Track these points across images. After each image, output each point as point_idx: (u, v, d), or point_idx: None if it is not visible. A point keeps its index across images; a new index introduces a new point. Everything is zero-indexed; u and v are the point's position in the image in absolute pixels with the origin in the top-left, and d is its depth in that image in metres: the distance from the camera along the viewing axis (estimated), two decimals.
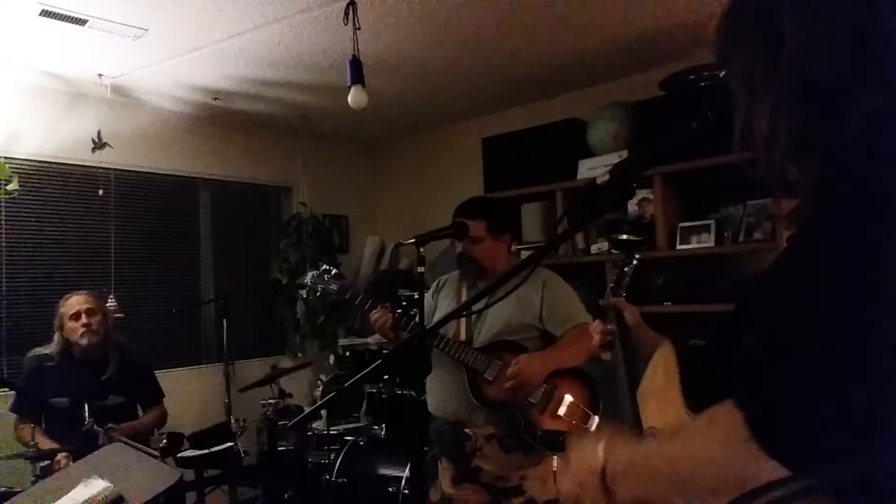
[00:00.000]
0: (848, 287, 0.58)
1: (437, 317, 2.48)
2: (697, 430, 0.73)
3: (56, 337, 3.02)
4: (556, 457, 2.16)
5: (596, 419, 2.28)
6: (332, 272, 2.60)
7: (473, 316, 2.40)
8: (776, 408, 0.60)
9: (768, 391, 0.62)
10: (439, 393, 2.43)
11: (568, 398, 2.28)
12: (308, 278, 2.62)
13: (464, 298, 2.48)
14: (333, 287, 2.56)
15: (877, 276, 0.57)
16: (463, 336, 2.41)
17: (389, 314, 2.40)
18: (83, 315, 3.00)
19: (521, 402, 2.27)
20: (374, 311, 2.43)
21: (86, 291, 3.14)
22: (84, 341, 2.97)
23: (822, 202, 0.66)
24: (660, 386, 0.96)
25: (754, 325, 0.74)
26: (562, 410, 2.27)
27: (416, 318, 2.42)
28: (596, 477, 0.80)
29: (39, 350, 3.03)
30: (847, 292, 0.58)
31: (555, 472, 2.14)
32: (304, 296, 2.72)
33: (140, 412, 3.16)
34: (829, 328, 0.59)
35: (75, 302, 3.03)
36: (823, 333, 0.59)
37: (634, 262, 1.55)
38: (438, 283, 2.64)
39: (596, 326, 1.47)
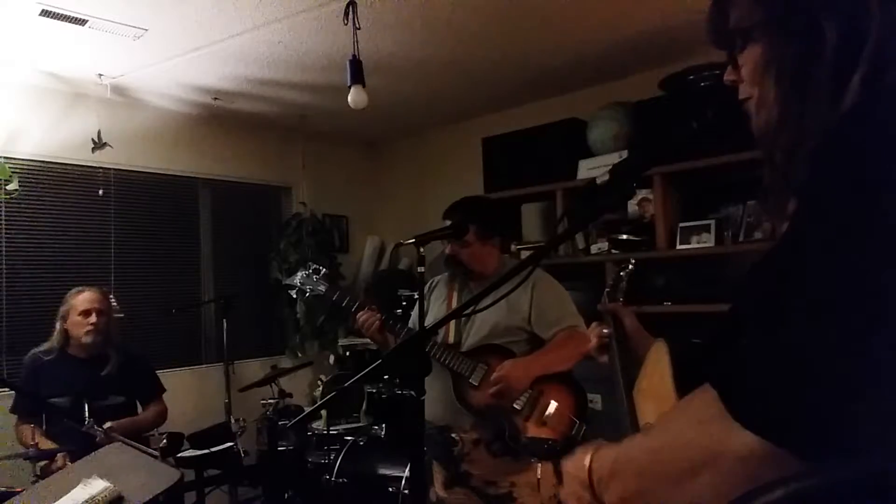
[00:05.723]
0: (816, 269, 0.59)
1: (429, 318, 2.44)
2: (675, 414, 0.74)
3: (57, 327, 3.00)
4: (539, 464, 2.14)
5: (582, 427, 2.22)
6: (322, 272, 2.56)
7: (462, 318, 2.34)
8: (743, 376, 0.61)
9: (736, 363, 0.63)
10: (427, 397, 2.39)
11: (553, 404, 2.23)
12: (297, 278, 2.57)
13: (455, 300, 2.44)
14: (321, 288, 2.50)
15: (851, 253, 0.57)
16: (451, 339, 2.36)
17: (377, 317, 2.36)
18: (93, 314, 2.98)
19: (505, 408, 2.23)
20: (361, 312, 2.39)
21: (97, 289, 3.12)
22: (88, 339, 2.96)
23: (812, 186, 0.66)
24: (654, 383, 0.96)
25: (741, 315, 0.74)
26: (547, 417, 2.22)
27: (407, 323, 2.41)
28: (585, 487, 0.79)
29: (38, 349, 3.01)
30: (814, 275, 0.59)
31: (538, 479, 2.13)
32: (294, 296, 2.67)
33: (140, 409, 3.15)
34: (798, 305, 0.59)
35: (87, 298, 3.01)
36: (793, 309, 0.59)
37: (631, 266, 1.55)
38: (431, 283, 2.58)
39: (593, 329, 1.48)
